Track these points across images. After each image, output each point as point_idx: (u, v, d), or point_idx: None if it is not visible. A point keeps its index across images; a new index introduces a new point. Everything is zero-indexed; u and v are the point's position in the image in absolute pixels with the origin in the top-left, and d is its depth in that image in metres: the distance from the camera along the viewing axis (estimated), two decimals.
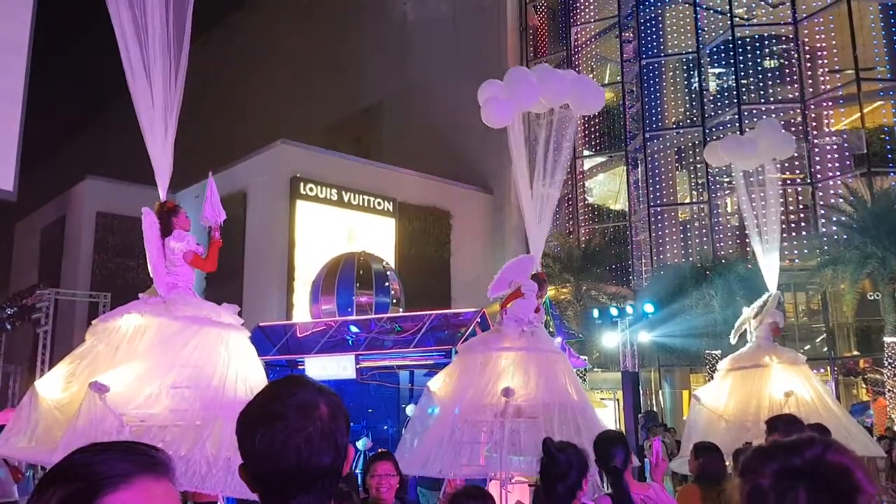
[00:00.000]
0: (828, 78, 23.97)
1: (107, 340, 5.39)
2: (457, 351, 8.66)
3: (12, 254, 30.33)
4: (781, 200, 23.06)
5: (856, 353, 21.50)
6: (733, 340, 10.00)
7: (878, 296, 19.67)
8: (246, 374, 5.56)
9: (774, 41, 24.72)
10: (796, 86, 23.88)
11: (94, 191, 25.15)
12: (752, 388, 8.80)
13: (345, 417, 1.42)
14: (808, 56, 24.25)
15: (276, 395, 1.40)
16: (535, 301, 7.47)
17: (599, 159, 28.15)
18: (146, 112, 5.84)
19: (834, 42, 23.58)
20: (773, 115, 23.99)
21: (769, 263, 9.94)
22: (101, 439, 4.82)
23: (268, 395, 1.42)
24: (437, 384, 7.29)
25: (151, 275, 5.79)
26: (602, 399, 21.82)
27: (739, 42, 24.45)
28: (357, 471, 9.70)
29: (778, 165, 10.84)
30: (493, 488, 6.39)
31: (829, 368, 21.18)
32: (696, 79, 25.24)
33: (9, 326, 21.95)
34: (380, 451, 5.50)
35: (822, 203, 22.48)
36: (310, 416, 1.36)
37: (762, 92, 24.78)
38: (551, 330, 15.01)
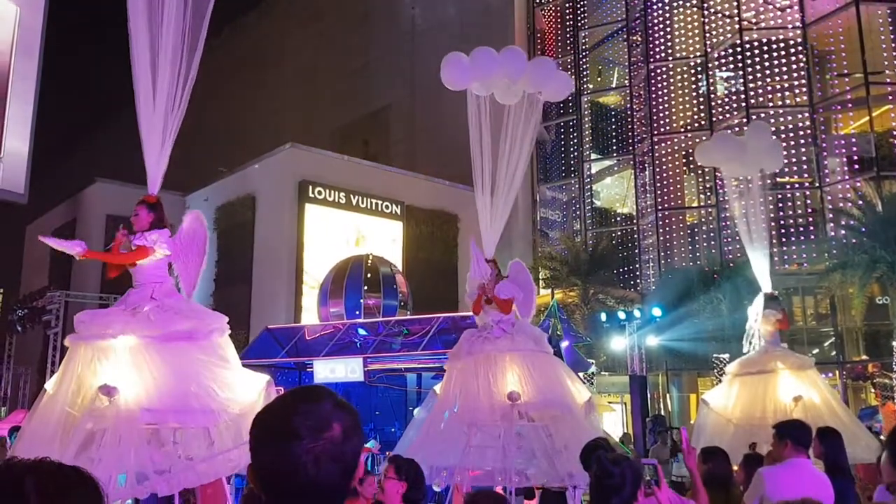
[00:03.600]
0: (836, 82, 23.91)
1: (92, 349, 5.38)
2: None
3: (23, 256, 30.53)
4: (790, 204, 23.19)
5: (864, 357, 21.41)
6: (746, 349, 9.97)
7: (886, 300, 19.59)
8: (220, 384, 5.34)
9: (783, 45, 24.66)
10: (805, 89, 23.82)
11: (105, 194, 25.31)
12: (760, 393, 8.79)
13: (358, 436, 1.44)
14: (816, 60, 24.19)
15: (289, 410, 1.41)
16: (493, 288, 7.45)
17: (607, 162, 28.14)
18: (146, 119, 5.77)
19: (843, 46, 23.51)
20: (782, 119, 23.98)
21: (759, 267, 10.00)
22: (110, 439, 4.90)
23: (282, 407, 1.43)
24: (441, 387, 7.33)
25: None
26: (610, 402, 21.79)
27: (748, 46, 24.42)
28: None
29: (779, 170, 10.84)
30: (499, 491, 6.42)
31: (837, 372, 21.10)
32: (704, 82, 25.19)
33: (19, 328, 22.11)
34: (388, 454, 5.53)
35: (830, 207, 22.41)
36: (321, 435, 1.37)
37: (770, 96, 24.73)
38: (559, 333, 15.02)
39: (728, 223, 23.90)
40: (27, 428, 5.31)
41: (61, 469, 1.24)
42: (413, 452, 6.48)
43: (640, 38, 26.32)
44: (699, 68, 25.52)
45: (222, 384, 5.37)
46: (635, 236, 25.75)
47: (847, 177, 22.59)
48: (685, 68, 26.33)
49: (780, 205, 23.14)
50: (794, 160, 22.52)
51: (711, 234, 24.24)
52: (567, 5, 28.36)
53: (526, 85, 7.59)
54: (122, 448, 4.86)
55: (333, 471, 1.37)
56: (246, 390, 5.46)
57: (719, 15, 25.51)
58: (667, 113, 25.82)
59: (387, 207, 24.12)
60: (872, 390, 20.78)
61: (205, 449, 5.11)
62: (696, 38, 25.44)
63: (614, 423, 21.31)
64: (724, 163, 10.26)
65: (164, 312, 5.53)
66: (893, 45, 23.12)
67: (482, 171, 7.72)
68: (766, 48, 24.50)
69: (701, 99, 25.46)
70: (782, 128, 23.32)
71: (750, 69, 24.31)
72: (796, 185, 23.41)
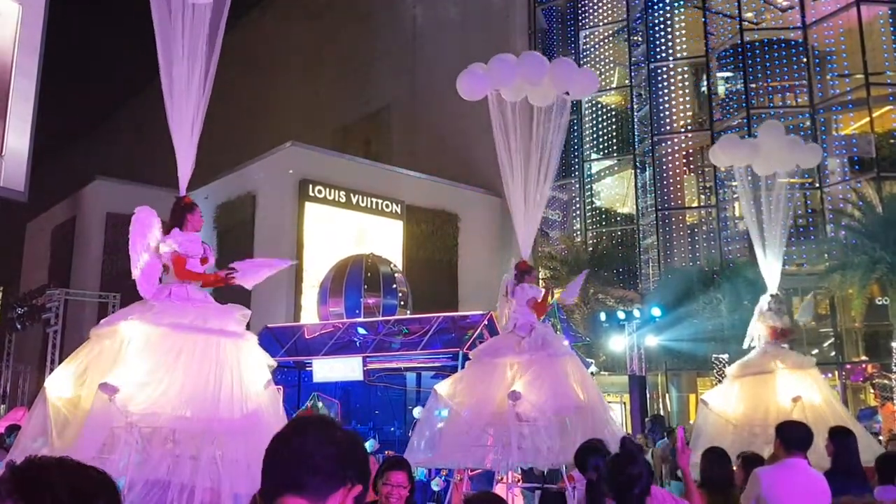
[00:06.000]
0: (837, 82, 23.91)
1: (107, 344, 5.37)
2: (466, 356, 8.67)
3: (23, 254, 30.53)
4: (790, 204, 23.15)
5: (864, 357, 21.42)
6: (746, 345, 9.95)
7: (886, 301, 19.60)
8: (240, 386, 5.32)
9: (784, 45, 24.67)
10: (805, 90, 23.83)
11: (104, 191, 25.31)
12: (760, 394, 8.77)
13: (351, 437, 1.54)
14: (817, 60, 24.19)
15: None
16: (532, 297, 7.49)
17: (607, 162, 28.13)
18: (178, 106, 5.79)
19: (843, 46, 23.52)
20: (782, 120, 23.97)
21: (771, 267, 9.94)
22: (111, 440, 4.89)
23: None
24: (445, 388, 7.31)
25: (141, 280, 5.56)
26: (609, 402, 21.78)
27: (748, 46, 24.42)
28: None
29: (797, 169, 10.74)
30: (499, 490, 6.42)
31: (837, 373, 21.12)
32: (705, 82, 25.19)
33: (19, 326, 22.11)
34: (390, 454, 5.51)
35: (830, 207, 22.41)
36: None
37: (771, 96, 24.73)
38: (558, 332, 15.01)
39: (728, 223, 23.94)
40: (88, 434, 4.87)
41: (83, 466, 1.28)
42: (425, 457, 6.53)
43: (640, 38, 26.31)
44: (700, 68, 25.52)
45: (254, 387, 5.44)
46: (635, 236, 25.75)
47: (847, 177, 22.60)
48: (686, 68, 26.33)
49: (791, 204, 23.17)
50: None
51: (711, 235, 24.26)
52: (568, 5, 28.35)
53: (550, 87, 7.57)
54: (146, 452, 4.88)
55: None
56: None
57: (720, 15, 25.52)
58: (667, 113, 25.82)
59: (387, 206, 24.11)
60: (872, 391, 20.79)
61: (203, 448, 5.08)
62: (697, 39, 25.43)
63: None
64: (733, 162, 10.22)
65: (232, 310, 5.66)
66: (894, 45, 23.13)
67: (512, 176, 7.68)
68: (766, 48, 24.50)
69: (701, 99, 25.45)
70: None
71: (751, 69, 24.31)
72: (796, 186, 23.41)
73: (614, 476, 2.87)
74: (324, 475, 1.44)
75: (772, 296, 9.66)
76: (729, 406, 8.92)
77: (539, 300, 7.46)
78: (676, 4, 26.00)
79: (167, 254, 5.59)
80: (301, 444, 1.45)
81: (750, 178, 10.33)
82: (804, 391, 8.54)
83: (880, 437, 12.76)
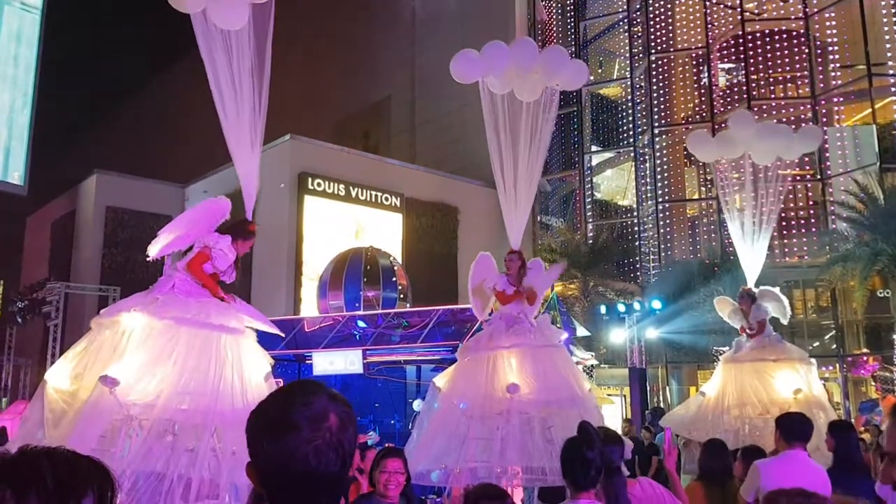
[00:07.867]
0: (839, 73, 23.82)
1: (108, 335, 5.39)
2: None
3: (23, 247, 30.54)
4: (791, 196, 23.11)
5: (865, 350, 21.42)
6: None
7: (888, 293, 19.58)
8: (240, 379, 5.38)
9: (785, 36, 24.57)
10: (807, 81, 23.75)
11: (104, 185, 25.26)
12: (754, 382, 8.73)
13: (353, 425, 1.45)
14: (818, 51, 24.10)
15: (287, 403, 1.42)
16: (513, 287, 7.42)
17: (607, 155, 28.07)
18: (233, 127, 5.98)
19: (845, 37, 23.43)
20: (784, 111, 23.91)
21: (754, 261, 9.93)
22: (111, 432, 4.88)
23: (279, 401, 1.44)
24: (443, 380, 7.30)
25: (160, 244, 5.68)
26: (609, 395, 21.80)
27: (749, 37, 24.32)
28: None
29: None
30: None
31: (838, 366, 21.12)
32: (706, 74, 25.11)
33: (20, 320, 22.11)
34: (388, 445, 5.51)
35: (832, 199, 22.35)
36: (320, 426, 1.38)
37: (772, 87, 24.65)
38: (558, 325, 14.99)
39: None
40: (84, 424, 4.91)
41: (75, 455, 1.29)
42: (419, 450, 6.51)
43: (641, 30, 26.21)
44: (701, 60, 25.43)
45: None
46: (635, 229, 25.72)
47: (849, 169, 22.55)
48: (686, 60, 26.23)
49: (781, 197, 23.10)
50: None
51: (712, 227, 24.21)
52: None
53: (539, 76, 7.56)
54: (148, 443, 4.92)
55: (333, 460, 1.38)
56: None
57: (721, 6, 25.42)
58: (668, 105, 25.75)
59: (386, 199, 24.08)
60: (873, 383, 20.79)
61: (202, 440, 5.08)
62: (698, 30, 25.34)
63: (613, 415, 21.31)
64: (730, 154, 10.21)
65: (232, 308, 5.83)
66: None
67: (502, 166, 7.67)
68: (768, 39, 24.41)
69: (702, 91, 25.37)
70: (784, 119, 23.27)
71: (752, 60, 24.23)
72: (798, 178, 23.36)
73: (570, 458, 2.86)
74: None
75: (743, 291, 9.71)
76: (723, 394, 8.85)
77: (502, 292, 7.41)
78: None
79: (201, 246, 5.71)
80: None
81: (751, 169, 10.32)
82: (802, 384, 8.50)
83: (881, 429, 12.75)
